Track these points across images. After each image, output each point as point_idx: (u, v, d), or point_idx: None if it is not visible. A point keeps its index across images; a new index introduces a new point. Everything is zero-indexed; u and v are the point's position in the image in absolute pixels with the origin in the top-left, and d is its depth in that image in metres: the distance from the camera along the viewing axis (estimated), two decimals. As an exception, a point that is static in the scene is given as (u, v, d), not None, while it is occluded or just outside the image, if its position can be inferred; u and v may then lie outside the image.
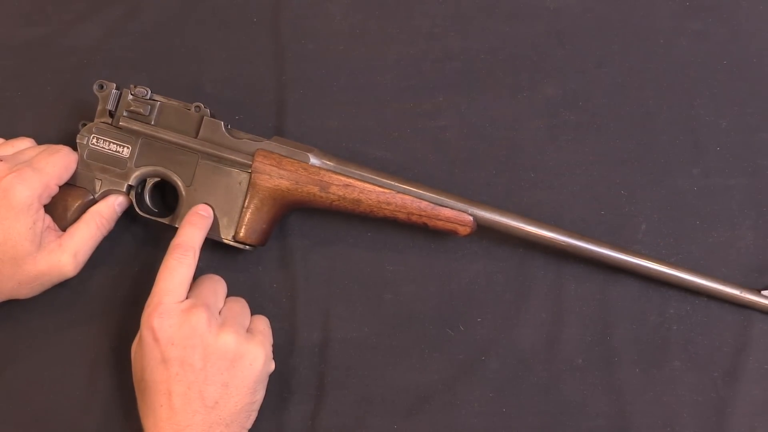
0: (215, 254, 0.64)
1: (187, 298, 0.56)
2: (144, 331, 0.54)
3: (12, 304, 0.60)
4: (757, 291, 0.62)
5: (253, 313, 0.63)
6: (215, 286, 0.59)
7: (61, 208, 0.59)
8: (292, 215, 0.64)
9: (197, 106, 0.60)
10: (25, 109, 0.66)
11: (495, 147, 0.66)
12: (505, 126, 0.66)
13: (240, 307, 0.59)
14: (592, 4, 0.68)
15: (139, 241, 0.64)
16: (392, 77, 0.67)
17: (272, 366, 0.58)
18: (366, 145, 0.66)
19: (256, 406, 0.57)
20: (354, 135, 0.66)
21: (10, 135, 0.64)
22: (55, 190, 0.58)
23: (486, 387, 0.62)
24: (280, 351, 0.62)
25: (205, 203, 0.59)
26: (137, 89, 0.60)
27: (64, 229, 0.59)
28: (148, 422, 0.54)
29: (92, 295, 0.64)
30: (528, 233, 0.59)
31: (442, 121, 0.66)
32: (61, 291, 0.62)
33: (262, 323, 0.59)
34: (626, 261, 0.60)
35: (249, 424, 0.57)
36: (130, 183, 0.60)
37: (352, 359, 0.62)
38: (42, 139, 0.62)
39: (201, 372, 0.53)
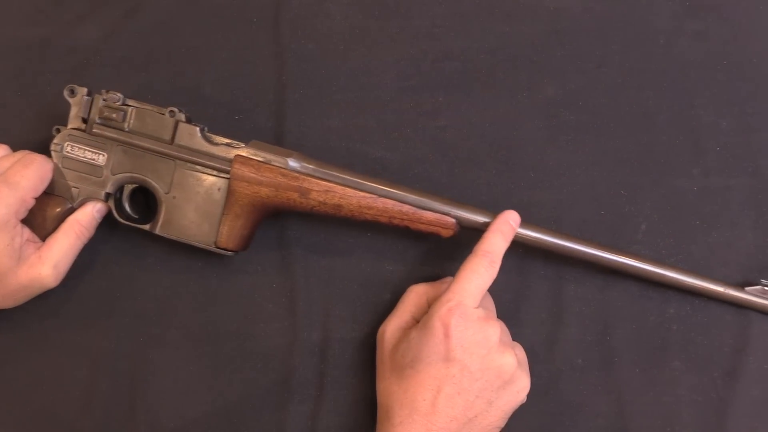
0: (215, 253, 0.64)
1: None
2: (436, 323, 0.53)
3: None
4: (741, 287, 0.62)
5: (251, 313, 0.63)
6: (493, 304, 0.59)
7: (40, 218, 0.59)
8: (291, 216, 0.64)
9: (171, 111, 0.59)
10: (25, 109, 0.66)
11: (495, 147, 0.66)
12: (505, 126, 0.66)
13: (506, 329, 0.58)
14: (592, 4, 0.68)
15: (137, 243, 0.64)
16: (392, 77, 0.67)
17: (524, 400, 0.57)
18: (366, 145, 0.66)
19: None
20: (354, 135, 0.66)
21: (10, 135, 0.64)
22: (31, 203, 0.57)
23: (486, 387, 0.62)
24: (280, 351, 0.63)
25: (513, 211, 0.58)
26: (109, 94, 0.59)
27: (43, 239, 0.59)
28: (401, 410, 0.53)
29: (92, 297, 0.64)
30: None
31: (442, 121, 0.66)
32: (61, 292, 0.62)
33: (523, 353, 0.58)
34: (594, 255, 0.60)
35: None
36: (107, 190, 0.60)
37: (352, 359, 0.62)
38: (43, 139, 0.62)
39: (476, 383, 0.53)
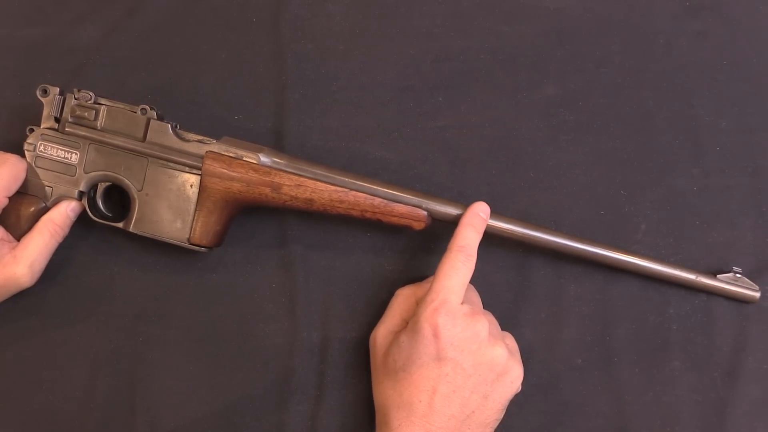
0: (215, 253, 0.64)
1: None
2: (423, 324, 0.54)
3: (10, 305, 0.61)
4: (713, 275, 0.62)
5: (251, 313, 0.63)
6: (478, 296, 0.59)
7: (14, 218, 0.59)
8: (291, 216, 0.64)
9: (143, 109, 0.59)
10: (25, 109, 0.66)
11: (495, 147, 0.66)
12: (505, 126, 0.66)
13: (495, 320, 0.58)
14: (592, 4, 0.68)
15: (136, 243, 0.64)
16: (392, 77, 0.67)
17: (519, 389, 0.57)
18: (366, 145, 0.66)
19: (497, 424, 0.57)
20: (354, 135, 0.66)
21: (11, 135, 0.64)
22: (4, 202, 0.58)
23: (486, 387, 0.62)
24: (280, 351, 0.63)
25: (482, 202, 0.59)
26: (81, 93, 0.59)
27: (18, 238, 0.59)
28: (398, 412, 0.54)
29: (93, 296, 0.64)
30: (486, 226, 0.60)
31: (442, 121, 0.66)
32: (60, 290, 0.62)
33: (513, 341, 0.59)
34: (557, 243, 0.60)
35: None
36: (81, 189, 0.60)
37: (352, 359, 0.62)
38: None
39: (470, 379, 0.53)
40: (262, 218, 0.64)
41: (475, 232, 0.57)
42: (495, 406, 0.55)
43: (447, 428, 0.53)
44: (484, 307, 0.61)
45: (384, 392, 0.56)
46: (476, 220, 0.58)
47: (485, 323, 0.54)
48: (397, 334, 0.56)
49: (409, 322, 0.56)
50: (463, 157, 0.66)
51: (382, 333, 0.58)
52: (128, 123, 0.59)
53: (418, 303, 0.57)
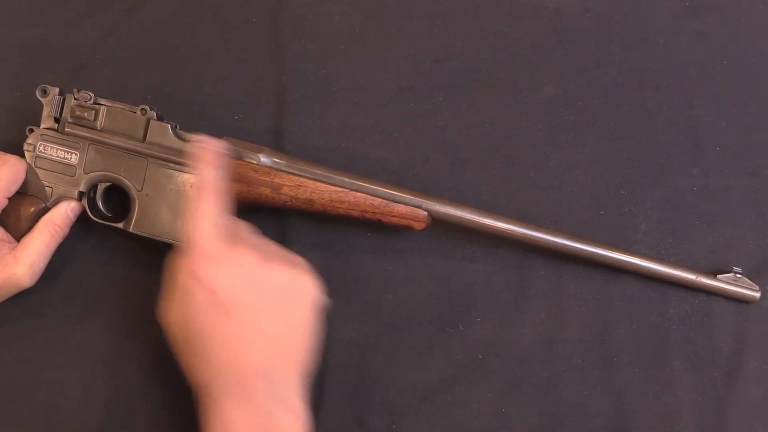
0: (215, 254, 0.64)
1: None
2: (187, 279, 0.50)
3: (10, 305, 0.60)
4: (714, 275, 0.62)
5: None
6: (242, 224, 0.56)
7: (14, 218, 0.59)
8: (291, 216, 0.64)
9: (143, 109, 0.59)
10: (25, 109, 0.66)
11: (495, 147, 0.66)
12: (505, 126, 0.66)
13: (266, 241, 0.56)
14: (592, 4, 0.68)
15: (138, 243, 0.64)
16: (392, 77, 0.67)
17: (324, 299, 0.54)
18: (366, 145, 0.66)
19: (315, 344, 0.54)
20: (354, 135, 0.66)
21: (10, 135, 0.64)
22: (4, 202, 0.57)
23: (486, 387, 0.62)
24: (280, 351, 0.62)
25: (219, 138, 0.55)
26: (81, 93, 0.59)
27: (18, 239, 0.59)
28: (204, 375, 0.51)
29: (93, 296, 0.64)
30: (483, 226, 0.59)
31: (442, 121, 0.66)
32: (60, 290, 0.62)
33: (300, 258, 0.56)
34: (557, 243, 0.60)
35: (310, 366, 0.54)
36: (81, 189, 0.60)
37: (352, 359, 0.62)
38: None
39: (257, 309, 0.51)
40: (262, 218, 0.64)
41: (211, 167, 0.53)
42: (298, 324, 0.52)
43: (258, 364, 0.50)
44: (482, 306, 0.62)
45: (189, 364, 0.52)
46: (206, 154, 0.53)
47: (249, 251, 0.51)
48: (169, 301, 0.53)
49: (171, 282, 0.52)
50: (463, 157, 0.66)
51: (165, 307, 0.53)
52: (128, 123, 0.59)
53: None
